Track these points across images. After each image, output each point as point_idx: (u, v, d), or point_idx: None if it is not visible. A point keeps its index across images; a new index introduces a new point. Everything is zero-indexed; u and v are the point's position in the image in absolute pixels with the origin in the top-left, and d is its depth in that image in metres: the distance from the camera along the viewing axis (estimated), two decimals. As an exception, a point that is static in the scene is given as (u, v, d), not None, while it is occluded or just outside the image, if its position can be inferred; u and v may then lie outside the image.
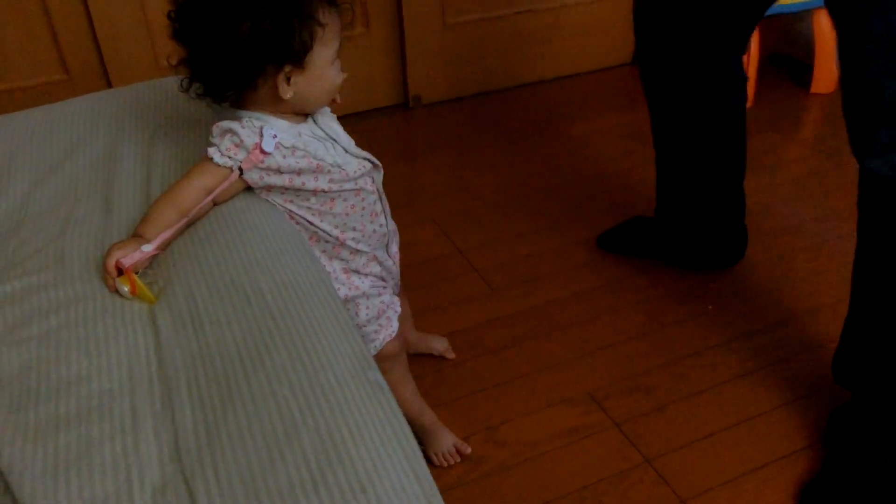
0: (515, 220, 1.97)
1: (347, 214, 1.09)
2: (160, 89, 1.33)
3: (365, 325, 1.18)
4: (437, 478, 0.73)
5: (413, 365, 1.35)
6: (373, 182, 1.13)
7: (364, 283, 1.16)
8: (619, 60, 2.72)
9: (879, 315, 1.21)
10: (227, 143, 0.99)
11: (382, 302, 1.20)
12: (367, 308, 1.17)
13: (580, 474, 1.31)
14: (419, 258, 1.83)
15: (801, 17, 2.56)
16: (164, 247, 0.96)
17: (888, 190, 1.11)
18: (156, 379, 0.79)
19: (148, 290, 0.89)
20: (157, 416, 0.75)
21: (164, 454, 0.71)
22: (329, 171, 1.04)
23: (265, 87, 0.99)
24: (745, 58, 2.29)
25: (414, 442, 0.74)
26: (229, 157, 0.99)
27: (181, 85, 1.03)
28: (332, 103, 1.12)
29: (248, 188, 1.04)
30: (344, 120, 1.13)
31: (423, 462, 0.72)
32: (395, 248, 1.24)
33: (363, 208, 1.11)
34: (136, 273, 0.91)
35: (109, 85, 2.18)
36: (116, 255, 0.90)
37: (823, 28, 2.41)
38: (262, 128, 0.99)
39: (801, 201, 2.00)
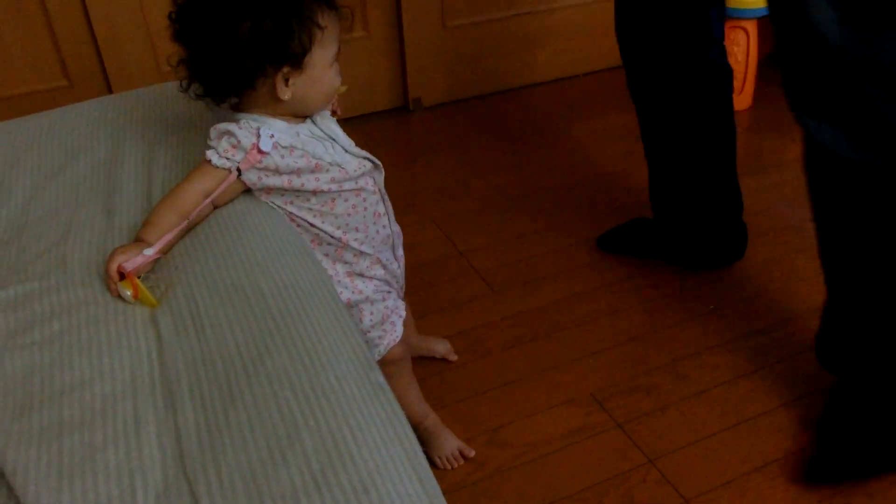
0: (516, 222, 1.97)
1: (349, 215, 1.10)
2: (161, 94, 1.33)
3: (369, 331, 1.18)
4: (439, 479, 0.73)
5: (415, 367, 1.35)
6: (374, 183, 1.13)
7: (368, 287, 1.16)
8: (619, 62, 2.71)
9: (851, 299, 1.23)
10: (224, 144, 0.99)
11: (387, 307, 1.20)
12: (372, 313, 1.17)
13: (583, 475, 1.31)
14: (420, 260, 1.83)
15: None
16: (166, 250, 0.97)
17: (832, 163, 1.11)
18: (158, 382, 0.80)
19: (150, 293, 0.90)
20: (160, 420, 0.75)
21: (167, 457, 0.72)
22: (328, 170, 1.05)
23: (264, 87, 1.00)
24: (744, 57, 2.31)
25: (416, 442, 0.74)
26: (227, 159, 0.99)
27: (181, 85, 1.03)
28: (333, 115, 1.13)
29: (248, 191, 1.05)
30: (344, 123, 1.13)
31: (425, 463, 0.72)
32: (400, 251, 1.24)
33: (365, 209, 1.11)
34: (139, 277, 0.91)
35: (110, 91, 2.18)
36: (118, 260, 0.90)
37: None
38: (259, 128, 1.00)
39: (801, 201, 1.98)
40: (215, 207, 1.03)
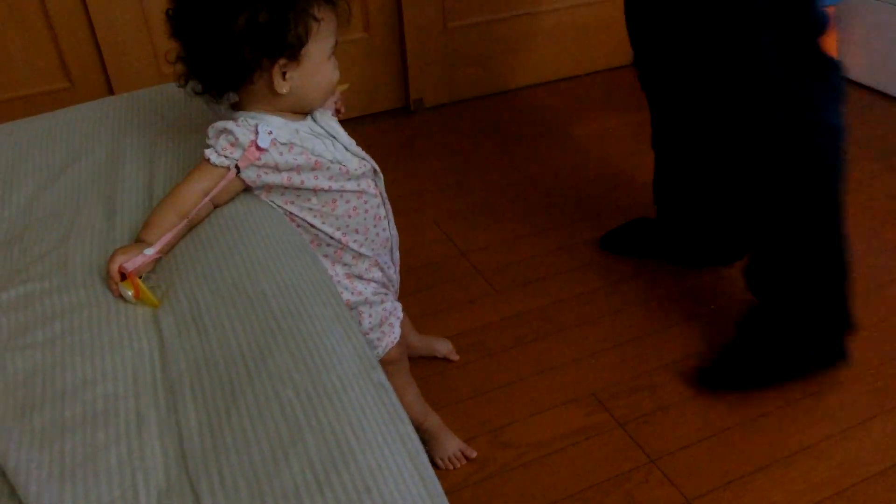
0: (518, 222, 1.97)
1: (349, 217, 1.10)
2: (162, 95, 1.33)
3: (368, 333, 1.18)
4: (441, 479, 0.73)
5: (416, 368, 1.35)
6: (376, 186, 1.13)
7: (367, 289, 1.16)
8: (621, 62, 2.72)
9: (773, 235, 1.41)
10: (222, 142, 0.99)
11: (385, 309, 1.20)
12: (371, 316, 1.18)
13: (585, 475, 1.31)
14: (421, 260, 1.83)
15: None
16: (167, 251, 0.97)
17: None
18: (160, 383, 0.80)
19: (151, 294, 0.90)
20: (162, 420, 0.75)
21: (169, 458, 0.72)
22: (328, 168, 1.05)
23: (261, 81, 1.00)
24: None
25: (418, 442, 0.74)
26: (225, 157, 0.99)
27: (179, 82, 1.03)
28: (337, 114, 1.13)
29: (249, 190, 1.05)
30: (345, 124, 1.13)
31: (427, 463, 0.72)
32: (397, 254, 1.24)
33: (366, 211, 1.11)
34: (140, 277, 0.91)
35: (111, 92, 2.19)
36: (119, 260, 0.90)
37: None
38: (257, 125, 1.00)
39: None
40: (216, 206, 1.03)
